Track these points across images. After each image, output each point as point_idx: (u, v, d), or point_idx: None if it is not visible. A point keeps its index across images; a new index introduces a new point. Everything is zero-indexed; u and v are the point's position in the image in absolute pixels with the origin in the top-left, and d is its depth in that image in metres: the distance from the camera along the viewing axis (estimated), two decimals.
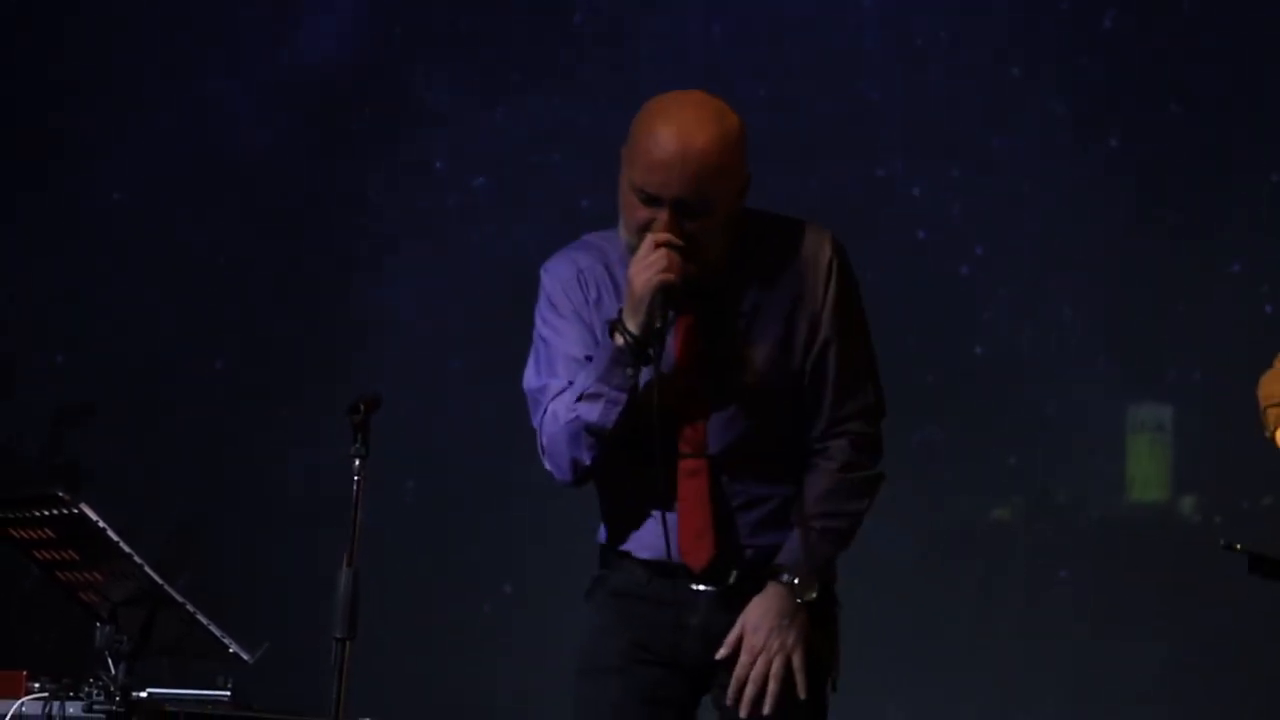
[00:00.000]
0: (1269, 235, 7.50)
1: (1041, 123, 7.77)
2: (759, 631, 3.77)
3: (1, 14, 8.70)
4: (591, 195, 7.87)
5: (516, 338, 8.02)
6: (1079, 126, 7.73)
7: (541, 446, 3.86)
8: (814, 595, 3.81)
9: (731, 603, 3.82)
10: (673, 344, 3.73)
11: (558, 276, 3.89)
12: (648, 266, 3.67)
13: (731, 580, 3.82)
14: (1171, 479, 7.63)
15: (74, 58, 8.68)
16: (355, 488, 3.92)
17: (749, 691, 3.77)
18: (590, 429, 3.75)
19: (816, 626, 3.85)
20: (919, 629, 7.59)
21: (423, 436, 7.95)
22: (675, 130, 3.69)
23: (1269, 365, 4.64)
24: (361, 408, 3.93)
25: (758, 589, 3.81)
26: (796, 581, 3.79)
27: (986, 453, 7.75)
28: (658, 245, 3.68)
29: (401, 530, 7.76)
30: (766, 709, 3.77)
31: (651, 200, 3.70)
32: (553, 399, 3.81)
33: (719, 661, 3.81)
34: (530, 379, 3.90)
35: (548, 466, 3.88)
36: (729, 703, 3.80)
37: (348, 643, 3.89)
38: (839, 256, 3.87)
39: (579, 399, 3.75)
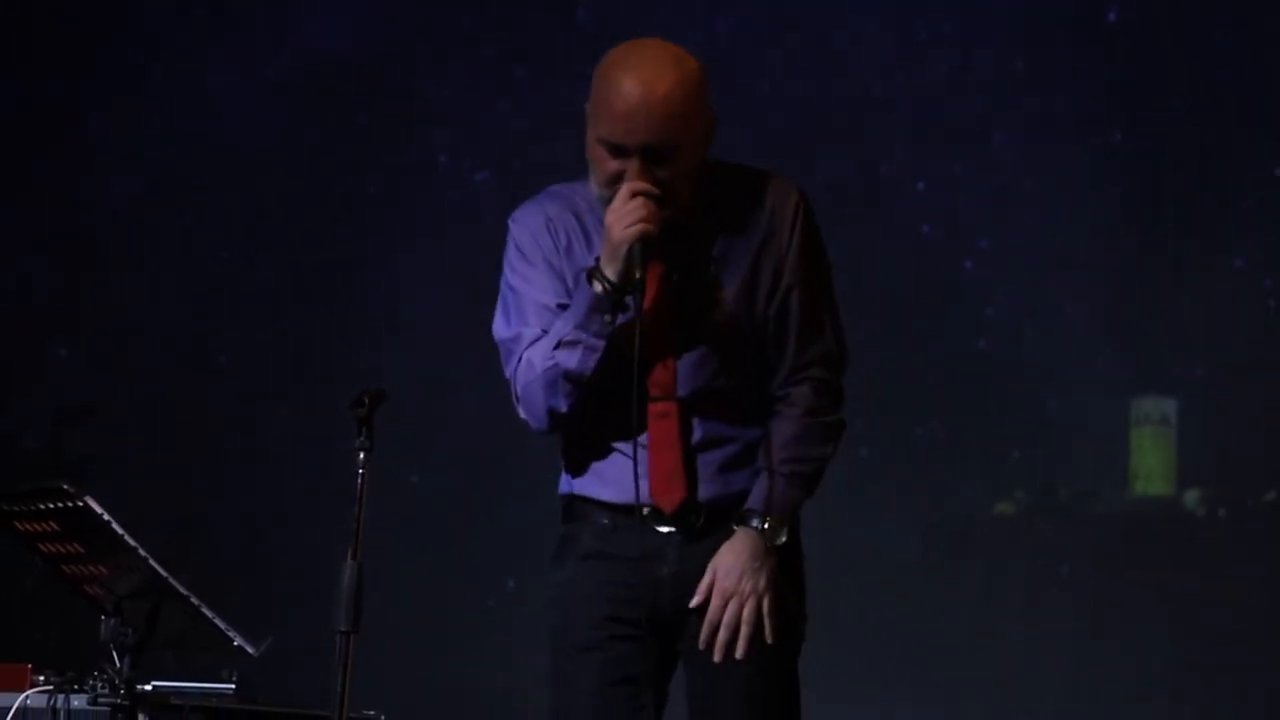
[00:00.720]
0: (1272, 230, 7.50)
1: (1044, 118, 7.78)
2: (730, 575, 3.76)
3: (2, 14, 8.70)
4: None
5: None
6: (1081, 122, 7.74)
7: (516, 396, 3.86)
8: (783, 539, 3.81)
9: (698, 548, 3.81)
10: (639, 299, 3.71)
11: (526, 225, 3.87)
12: (626, 215, 3.67)
13: (698, 523, 3.82)
14: (1175, 473, 7.64)
15: (77, 55, 8.68)
16: (359, 482, 3.91)
17: (721, 636, 3.76)
18: (568, 376, 3.74)
19: (784, 574, 3.83)
20: (921, 624, 7.60)
21: (427, 431, 7.95)
22: (636, 78, 3.67)
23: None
24: (365, 402, 3.92)
25: (723, 532, 3.81)
26: (766, 526, 3.79)
27: (989, 448, 7.75)
28: (634, 194, 3.68)
29: (406, 524, 7.76)
30: (739, 653, 3.77)
31: (619, 151, 3.69)
32: (527, 347, 3.81)
33: (690, 611, 3.80)
34: (500, 328, 3.90)
35: (522, 415, 3.86)
36: (701, 647, 3.78)
37: (351, 636, 3.89)
38: (805, 205, 3.86)
39: (557, 346, 3.75)
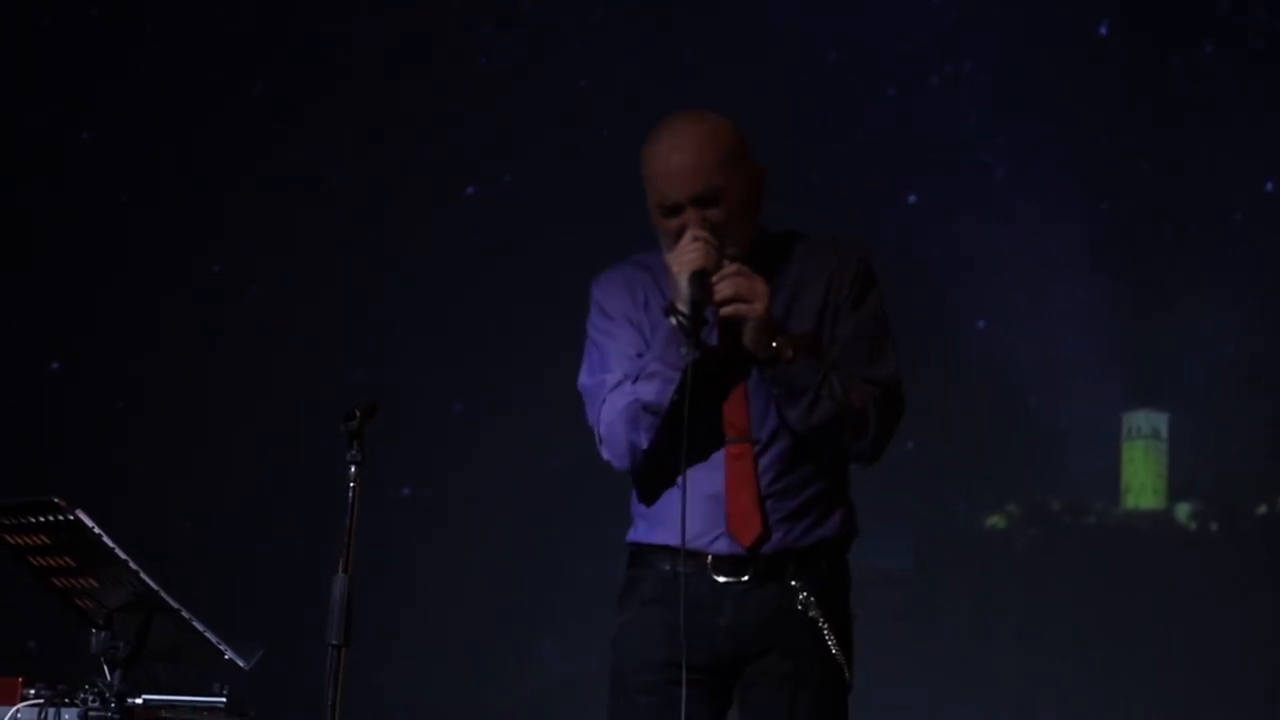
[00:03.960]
0: (1262, 245, 7.52)
1: (1036, 133, 7.79)
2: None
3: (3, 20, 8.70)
4: (583, 208, 7.90)
5: (515, 349, 8.10)
6: (1073, 137, 7.75)
7: (599, 436, 4.07)
8: (778, 354, 3.94)
9: (754, 599, 3.98)
10: (714, 333, 3.97)
11: (607, 285, 4.17)
12: (686, 253, 3.96)
13: (755, 571, 3.97)
14: (1167, 487, 7.66)
15: (73, 66, 8.67)
16: (350, 495, 3.93)
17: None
18: (648, 407, 3.97)
19: (832, 628, 4.07)
20: (914, 636, 7.60)
21: (421, 444, 7.96)
22: (668, 140, 4.04)
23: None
24: (357, 414, 3.94)
25: (780, 586, 3.98)
26: (781, 340, 3.95)
27: (981, 460, 7.76)
28: (695, 239, 3.96)
29: (399, 537, 7.76)
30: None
31: (672, 210, 4.01)
32: (610, 390, 4.04)
33: (744, 659, 3.97)
34: (585, 379, 4.14)
35: (605, 455, 4.07)
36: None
37: (342, 649, 3.89)
38: (868, 263, 4.13)
39: (636, 380, 3.99)
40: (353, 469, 3.95)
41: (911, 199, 7.88)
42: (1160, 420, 7.66)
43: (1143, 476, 7.66)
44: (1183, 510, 7.64)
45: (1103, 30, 7.84)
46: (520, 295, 8.16)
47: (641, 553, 4.08)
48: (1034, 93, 7.84)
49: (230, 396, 8.44)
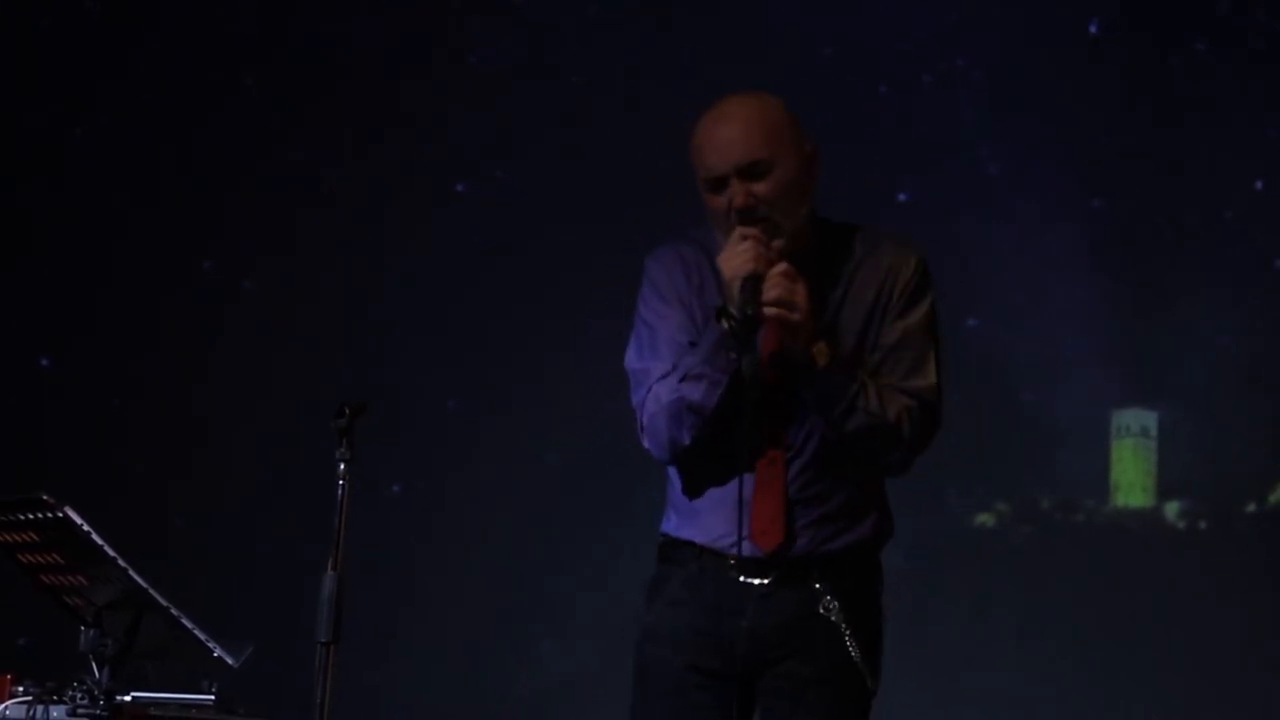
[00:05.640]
0: (1254, 244, 7.52)
1: (1039, 132, 7.80)
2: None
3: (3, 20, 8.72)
4: (581, 204, 7.90)
5: (513, 348, 8.10)
6: (1075, 136, 7.75)
7: (641, 425, 4.01)
8: (816, 357, 3.88)
9: (775, 603, 3.93)
10: (761, 337, 3.89)
11: (663, 263, 4.08)
12: (736, 255, 3.86)
13: (779, 574, 3.92)
14: (1155, 485, 7.66)
15: (73, 66, 8.69)
16: (340, 492, 3.93)
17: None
18: (692, 408, 3.91)
19: (858, 631, 3.95)
20: (908, 632, 7.59)
21: (421, 442, 7.96)
22: (715, 115, 3.97)
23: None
24: (346, 413, 3.94)
25: (803, 591, 3.93)
26: (820, 348, 3.89)
27: (976, 459, 7.76)
28: (744, 238, 3.86)
29: (396, 536, 7.77)
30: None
31: (719, 183, 3.92)
32: (656, 381, 3.98)
33: (765, 663, 3.93)
34: (632, 360, 4.06)
35: (646, 444, 4.01)
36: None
37: (331, 647, 3.89)
38: (922, 269, 4.03)
39: (683, 379, 3.92)
40: (342, 466, 3.95)
41: (901, 197, 7.88)
42: (1149, 418, 7.66)
43: (1131, 475, 7.66)
44: (1172, 508, 7.64)
45: (1093, 29, 7.83)
46: (518, 295, 8.17)
47: (673, 545, 4.03)
48: (1032, 92, 7.83)
49: (229, 396, 8.45)
